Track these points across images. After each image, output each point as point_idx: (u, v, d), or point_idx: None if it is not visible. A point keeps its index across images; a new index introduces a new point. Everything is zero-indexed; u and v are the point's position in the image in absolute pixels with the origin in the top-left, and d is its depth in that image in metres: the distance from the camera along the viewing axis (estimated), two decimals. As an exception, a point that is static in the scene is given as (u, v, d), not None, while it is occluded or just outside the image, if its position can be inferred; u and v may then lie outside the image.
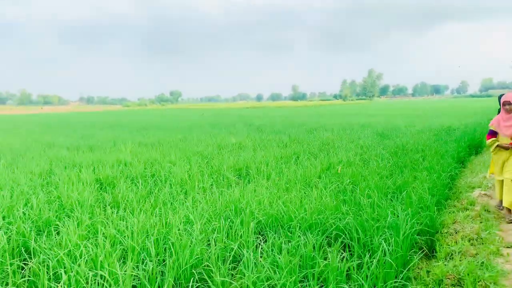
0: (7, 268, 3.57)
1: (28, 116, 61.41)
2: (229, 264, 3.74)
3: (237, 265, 3.86)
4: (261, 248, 3.94)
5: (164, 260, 3.86)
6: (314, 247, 3.83)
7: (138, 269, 3.58)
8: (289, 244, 3.95)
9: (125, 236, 4.22)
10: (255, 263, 3.58)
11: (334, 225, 4.43)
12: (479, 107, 42.58)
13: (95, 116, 50.25)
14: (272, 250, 3.89)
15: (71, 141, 14.58)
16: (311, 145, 11.79)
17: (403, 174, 6.97)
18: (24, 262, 3.96)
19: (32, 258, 3.93)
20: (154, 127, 23.63)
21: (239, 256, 3.98)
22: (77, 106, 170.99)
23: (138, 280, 3.47)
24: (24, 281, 3.58)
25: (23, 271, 3.82)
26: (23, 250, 4.17)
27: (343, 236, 4.24)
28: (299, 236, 4.09)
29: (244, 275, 3.38)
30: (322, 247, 3.98)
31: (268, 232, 4.43)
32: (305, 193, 5.98)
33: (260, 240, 4.31)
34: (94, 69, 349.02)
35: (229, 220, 4.77)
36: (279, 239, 4.08)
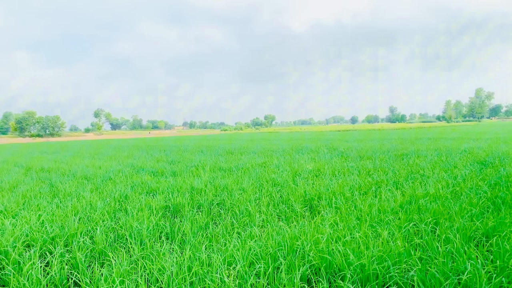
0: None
1: (135, 139, 67.64)
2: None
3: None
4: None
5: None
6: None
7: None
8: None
9: (164, 276, 4.04)
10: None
11: (397, 276, 3.72)
12: None
13: (192, 140, 53.29)
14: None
15: (159, 166, 15.39)
16: (397, 174, 10.74)
17: (499, 213, 5.80)
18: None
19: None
20: (240, 151, 24.04)
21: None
22: (181, 130, 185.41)
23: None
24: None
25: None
26: (71, 282, 4.23)
27: (405, 294, 3.52)
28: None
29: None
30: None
31: (318, 280, 3.89)
32: (376, 231, 5.27)
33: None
34: (196, 96, 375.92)
35: (278, 262, 4.33)
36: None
